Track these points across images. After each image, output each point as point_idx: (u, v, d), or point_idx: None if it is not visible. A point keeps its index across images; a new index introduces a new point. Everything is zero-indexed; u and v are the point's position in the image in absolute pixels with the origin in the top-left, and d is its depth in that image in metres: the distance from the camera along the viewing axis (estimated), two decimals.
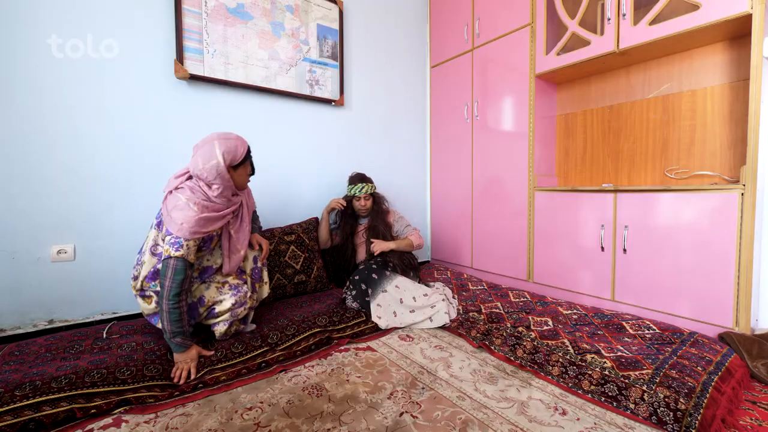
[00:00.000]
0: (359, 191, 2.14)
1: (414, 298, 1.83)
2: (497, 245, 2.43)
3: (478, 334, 1.62)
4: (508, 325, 1.63)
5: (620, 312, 1.74)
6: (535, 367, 1.37)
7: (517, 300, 1.95)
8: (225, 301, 1.43)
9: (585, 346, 1.40)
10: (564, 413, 1.12)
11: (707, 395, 1.09)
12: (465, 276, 2.40)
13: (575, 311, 1.74)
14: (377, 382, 1.28)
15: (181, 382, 1.25)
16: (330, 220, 2.25)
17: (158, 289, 1.38)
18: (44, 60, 1.59)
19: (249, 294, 1.51)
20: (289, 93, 2.22)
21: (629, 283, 1.78)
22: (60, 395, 1.08)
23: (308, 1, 2.28)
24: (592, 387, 1.22)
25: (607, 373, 1.24)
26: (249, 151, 1.46)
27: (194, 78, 1.89)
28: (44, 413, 1.03)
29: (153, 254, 1.39)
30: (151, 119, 1.82)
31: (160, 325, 1.42)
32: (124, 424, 1.04)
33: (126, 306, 1.79)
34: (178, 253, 1.27)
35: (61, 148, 1.63)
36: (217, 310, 1.43)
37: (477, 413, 1.11)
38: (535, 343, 1.47)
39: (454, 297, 2.03)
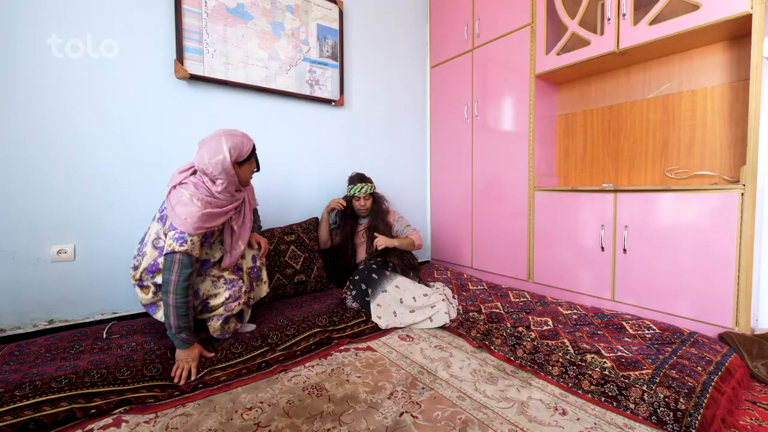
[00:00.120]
0: (359, 191, 2.14)
1: (414, 298, 1.83)
2: (497, 245, 2.43)
3: (478, 334, 1.62)
4: (508, 325, 1.63)
5: (620, 312, 1.74)
6: (535, 367, 1.37)
7: (517, 300, 1.95)
8: (219, 295, 1.44)
9: (585, 346, 1.40)
10: (564, 413, 1.12)
11: (707, 395, 1.09)
12: (465, 276, 2.40)
13: (575, 311, 1.74)
14: (377, 382, 1.28)
15: (182, 382, 1.25)
16: (330, 220, 2.25)
17: (156, 281, 1.39)
18: (44, 60, 1.59)
19: (244, 289, 1.51)
20: (289, 93, 2.22)
21: (629, 283, 1.78)
22: (60, 395, 1.08)
23: (308, 1, 2.28)
24: (592, 387, 1.22)
25: (607, 373, 1.24)
26: (254, 148, 1.48)
27: (194, 78, 1.89)
28: (44, 413, 1.03)
29: (155, 247, 1.39)
30: (151, 119, 1.82)
31: (157, 316, 1.43)
32: (124, 424, 1.04)
33: (126, 306, 1.79)
34: (182, 248, 1.28)
35: (61, 148, 1.63)
36: (211, 304, 1.43)
37: (477, 413, 1.11)
38: (535, 343, 1.47)
39: (454, 297, 2.03)
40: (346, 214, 2.24)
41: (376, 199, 2.23)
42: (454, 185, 2.76)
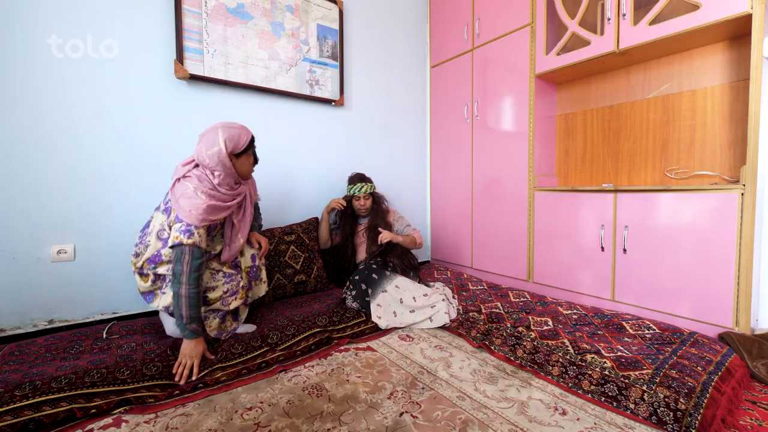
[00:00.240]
0: (359, 191, 2.14)
1: (414, 298, 1.83)
2: (497, 245, 2.43)
3: (478, 334, 1.62)
4: (508, 325, 1.63)
5: (620, 312, 1.74)
6: (535, 367, 1.37)
7: (517, 300, 1.95)
8: (217, 289, 1.44)
9: (585, 346, 1.40)
10: (564, 413, 1.12)
11: (707, 395, 1.09)
12: (465, 276, 2.40)
13: (575, 311, 1.74)
14: (377, 382, 1.28)
15: (182, 381, 1.25)
16: (330, 220, 2.25)
17: (157, 271, 1.40)
18: (44, 60, 1.59)
19: (242, 284, 1.52)
20: (289, 93, 2.22)
21: (629, 283, 1.78)
22: (60, 395, 1.08)
23: (308, 1, 2.28)
24: (592, 387, 1.22)
25: (607, 373, 1.24)
26: (252, 140, 1.48)
27: (194, 78, 1.89)
28: (44, 413, 1.03)
29: (159, 238, 1.40)
30: (151, 119, 1.82)
31: (154, 305, 1.44)
32: (124, 424, 1.04)
33: (126, 306, 1.79)
34: (190, 241, 1.30)
35: (61, 147, 1.63)
36: (209, 297, 1.43)
37: (477, 413, 1.11)
38: (535, 343, 1.47)
39: (454, 297, 2.03)
40: (346, 214, 2.24)
41: (376, 199, 2.23)
42: (454, 185, 2.76)
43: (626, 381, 1.18)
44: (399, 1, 2.80)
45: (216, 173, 1.38)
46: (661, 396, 1.10)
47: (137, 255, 1.44)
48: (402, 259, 2.08)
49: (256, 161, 1.54)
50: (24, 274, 1.58)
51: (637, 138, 2.00)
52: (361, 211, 2.20)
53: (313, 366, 1.39)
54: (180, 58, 1.84)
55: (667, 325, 1.56)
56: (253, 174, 1.59)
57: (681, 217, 1.61)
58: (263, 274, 1.69)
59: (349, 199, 2.20)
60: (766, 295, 1.58)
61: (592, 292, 1.92)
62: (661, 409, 1.07)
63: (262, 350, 1.43)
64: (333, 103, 2.43)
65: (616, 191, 1.82)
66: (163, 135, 1.85)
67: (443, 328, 1.77)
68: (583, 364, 1.31)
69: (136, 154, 1.79)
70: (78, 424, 1.04)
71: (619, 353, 1.33)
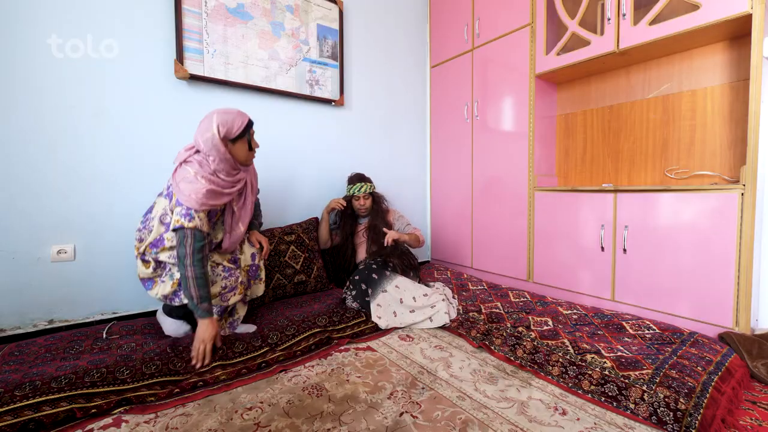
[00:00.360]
0: (358, 191, 2.14)
1: (414, 298, 1.83)
2: (497, 245, 2.43)
3: (478, 334, 1.62)
4: (508, 325, 1.63)
5: (620, 312, 1.74)
6: (535, 367, 1.37)
7: (517, 300, 1.95)
8: (216, 284, 1.44)
9: (585, 346, 1.40)
10: (564, 413, 1.12)
11: (707, 395, 1.09)
12: (465, 276, 2.40)
13: (575, 311, 1.74)
14: (377, 382, 1.28)
15: (199, 364, 1.29)
16: (330, 220, 2.25)
17: (159, 257, 1.41)
18: (44, 60, 1.59)
19: (240, 280, 1.52)
20: (289, 93, 2.22)
21: (629, 283, 1.78)
22: (60, 395, 1.08)
23: (308, 1, 2.28)
24: (592, 387, 1.22)
25: (607, 373, 1.24)
26: (248, 125, 1.47)
27: (194, 78, 1.89)
28: (44, 413, 1.03)
29: (162, 223, 1.41)
30: (151, 119, 1.82)
31: (152, 292, 1.45)
32: (124, 424, 1.04)
33: (126, 306, 1.79)
34: (191, 224, 1.32)
35: (61, 147, 1.63)
36: None
37: (477, 413, 1.11)
38: (535, 343, 1.47)
39: (454, 297, 2.03)
40: (346, 214, 2.24)
41: (376, 199, 2.24)
42: (454, 185, 2.76)
43: (626, 381, 1.18)
44: (399, 1, 2.80)
45: (211, 158, 1.39)
46: (661, 396, 1.10)
47: (141, 240, 1.45)
48: (402, 259, 2.08)
49: (250, 147, 1.51)
50: (24, 274, 1.58)
51: (637, 138, 2.00)
52: (361, 211, 2.20)
53: (313, 366, 1.39)
54: (180, 58, 1.84)
55: (667, 325, 1.56)
56: (254, 163, 1.59)
57: (681, 217, 1.61)
58: (262, 274, 1.69)
59: (348, 199, 2.20)
60: (766, 295, 1.58)
61: (592, 292, 1.92)
62: (661, 409, 1.07)
63: (263, 350, 1.43)
64: (333, 103, 2.43)
65: (616, 191, 1.82)
66: (163, 135, 1.85)
67: (443, 328, 1.77)
68: (583, 364, 1.31)
69: (136, 154, 1.79)
70: (78, 424, 1.04)
71: (619, 353, 1.33)
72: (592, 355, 1.33)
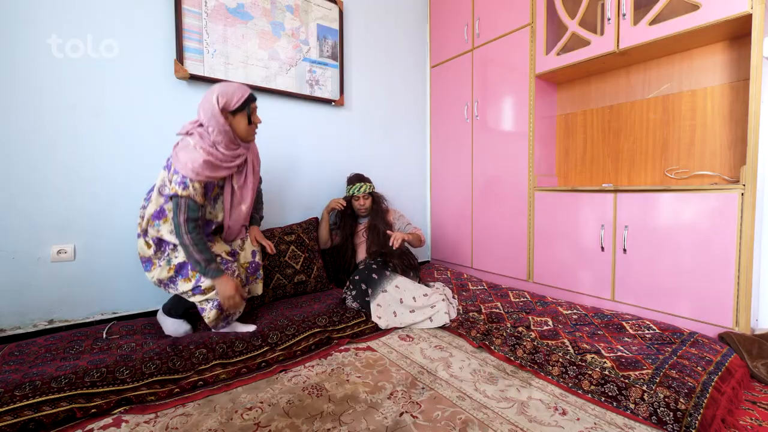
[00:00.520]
0: (358, 191, 2.14)
1: (414, 298, 1.83)
2: (497, 245, 2.43)
3: (478, 334, 1.62)
4: (508, 325, 1.63)
5: (620, 312, 1.74)
6: (535, 367, 1.37)
7: (517, 300, 1.95)
8: None
9: (585, 346, 1.40)
10: (564, 413, 1.12)
11: (707, 395, 1.09)
12: (465, 276, 2.40)
13: (575, 311, 1.74)
14: (377, 382, 1.28)
15: (237, 315, 1.45)
16: (330, 220, 2.25)
17: (161, 235, 1.42)
18: (44, 60, 1.59)
19: (236, 274, 1.52)
20: (289, 93, 2.22)
21: (629, 283, 1.78)
22: (60, 395, 1.08)
23: (308, 1, 2.28)
24: (592, 387, 1.22)
25: (607, 373, 1.24)
26: (249, 99, 1.47)
27: (194, 78, 1.89)
28: (44, 413, 1.03)
29: (160, 194, 1.43)
30: (151, 119, 1.82)
31: (150, 275, 1.47)
32: (124, 424, 1.04)
33: (126, 306, 1.79)
34: (185, 192, 1.33)
35: (61, 147, 1.63)
36: (203, 287, 1.43)
37: (477, 413, 1.11)
38: (535, 343, 1.47)
39: (454, 297, 2.03)
40: (345, 215, 2.24)
41: (376, 199, 2.24)
42: (454, 185, 2.76)
43: (626, 381, 1.18)
44: (399, 1, 2.80)
45: (210, 129, 1.40)
46: (661, 396, 1.10)
47: (142, 217, 1.46)
48: (402, 259, 2.08)
49: (250, 122, 1.50)
50: (24, 274, 1.58)
51: (637, 138, 2.00)
52: (360, 211, 2.20)
53: (313, 366, 1.39)
54: (180, 58, 1.84)
55: (667, 325, 1.56)
56: (256, 145, 1.61)
57: (681, 217, 1.61)
58: (261, 272, 1.69)
59: (348, 199, 2.20)
60: (766, 295, 1.58)
61: (592, 292, 1.92)
62: (661, 409, 1.07)
63: (263, 350, 1.43)
64: (333, 103, 2.43)
65: (616, 191, 1.81)
66: (163, 135, 1.85)
67: (443, 328, 1.77)
68: (583, 364, 1.31)
69: (136, 154, 1.79)
70: (78, 424, 1.04)
71: (619, 353, 1.33)
72: (592, 355, 1.33)
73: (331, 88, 2.40)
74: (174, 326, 1.53)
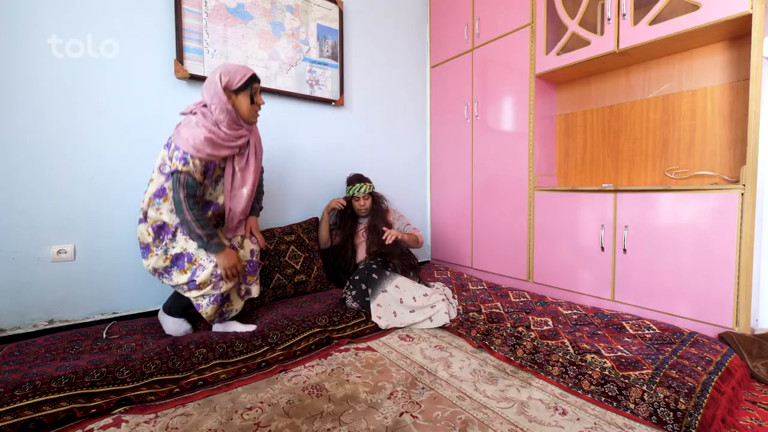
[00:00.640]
0: (358, 191, 2.14)
1: (414, 298, 1.83)
2: (497, 245, 2.43)
3: (478, 334, 1.62)
4: (508, 325, 1.63)
5: (620, 312, 1.74)
6: (535, 367, 1.37)
7: (517, 300, 1.95)
8: (207, 268, 1.42)
9: (585, 346, 1.40)
10: (564, 413, 1.12)
11: (707, 395, 1.09)
12: (465, 276, 2.40)
13: (575, 311, 1.74)
14: (377, 382, 1.28)
15: (232, 283, 1.45)
16: (330, 220, 2.25)
17: (163, 217, 1.42)
18: (44, 60, 1.59)
19: None
20: (289, 93, 2.22)
21: (629, 283, 1.78)
22: (60, 395, 1.08)
23: (308, 1, 2.28)
24: (592, 387, 1.22)
25: (607, 373, 1.24)
26: (251, 78, 1.47)
27: (194, 78, 1.89)
28: (44, 413, 1.03)
29: (161, 173, 1.44)
30: (151, 119, 1.82)
31: (146, 263, 1.47)
32: (124, 424, 1.04)
33: (126, 306, 1.79)
34: (185, 168, 1.34)
35: (61, 147, 1.63)
36: (198, 281, 1.42)
37: (477, 413, 1.11)
38: (535, 343, 1.47)
39: (454, 297, 2.03)
40: (345, 215, 2.24)
41: (376, 199, 2.24)
42: (454, 185, 2.76)
43: (626, 381, 1.18)
44: (399, 1, 2.80)
45: (213, 107, 1.41)
46: (661, 396, 1.10)
47: (144, 201, 1.46)
48: (402, 259, 2.08)
49: (253, 102, 1.50)
50: (24, 274, 1.58)
51: (637, 138, 2.00)
52: (360, 211, 2.20)
53: (313, 366, 1.39)
54: (180, 58, 1.84)
55: (667, 325, 1.56)
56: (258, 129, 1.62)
57: (681, 217, 1.61)
58: (258, 273, 1.68)
59: (348, 199, 2.20)
60: (766, 295, 1.58)
61: (592, 292, 1.92)
62: (661, 409, 1.07)
63: (263, 349, 1.43)
64: (333, 103, 2.43)
65: (616, 191, 1.81)
66: (163, 135, 1.84)
67: (443, 328, 1.77)
68: (583, 364, 1.31)
69: (136, 154, 1.79)
70: (78, 424, 1.04)
71: (619, 353, 1.33)
72: (592, 355, 1.33)
73: (331, 88, 2.40)
74: (174, 325, 1.53)
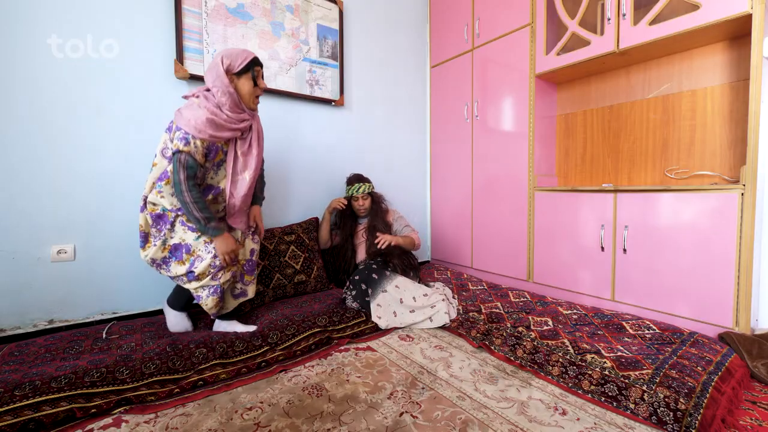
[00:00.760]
0: (357, 191, 2.15)
1: (414, 298, 1.83)
2: (497, 245, 2.43)
3: (478, 334, 1.62)
4: (508, 325, 1.63)
5: (620, 312, 1.74)
6: (535, 367, 1.37)
7: (517, 300, 1.95)
8: (205, 259, 1.42)
9: (585, 346, 1.40)
10: (564, 413, 1.11)
11: (707, 395, 1.09)
12: (465, 276, 2.40)
13: (575, 311, 1.74)
14: (377, 382, 1.28)
15: (228, 266, 1.44)
16: (330, 220, 2.25)
17: (161, 190, 1.42)
18: (44, 60, 1.59)
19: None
20: (289, 93, 2.22)
21: (629, 283, 1.78)
22: (60, 395, 1.08)
23: (308, 1, 2.28)
24: (592, 387, 1.22)
25: (607, 373, 1.24)
26: (253, 61, 1.47)
27: (194, 78, 1.89)
28: (44, 413, 1.03)
29: (163, 156, 1.44)
30: (151, 119, 1.82)
31: (143, 253, 1.46)
32: (124, 424, 1.04)
33: (126, 306, 1.79)
34: (186, 148, 1.34)
35: (61, 147, 1.63)
36: (196, 272, 1.42)
37: (477, 413, 1.11)
38: (535, 343, 1.47)
39: (454, 297, 2.03)
40: (345, 215, 2.24)
41: (375, 199, 2.24)
42: (454, 185, 2.76)
43: (626, 381, 1.18)
44: (399, 1, 2.80)
45: (215, 89, 1.41)
46: (661, 396, 1.10)
47: (146, 186, 1.46)
48: (402, 260, 2.08)
49: (255, 84, 1.50)
50: (24, 274, 1.58)
51: (637, 138, 2.00)
52: (360, 212, 2.20)
53: (313, 366, 1.39)
54: (180, 58, 1.84)
55: (667, 325, 1.56)
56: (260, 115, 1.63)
57: (681, 217, 1.61)
58: (257, 273, 1.67)
59: (349, 199, 2.21)
60: (766, 295, 1.58)
61: (592, 292, 1.92)
62: (661, 409, 1.07)
63: (263, 349, 1.43)
64: (333, 103, 2.43)
65: (616, 191, 1.81)
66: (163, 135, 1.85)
67: (443, 328, 1.77)
68: (583, 364, 1.31)
69: (136, 154, 1.79)
70: (78, 424, 1.04)
71: (619, 353, 1.33)
72: (592, 355, 1.33)
73: (331, 88, 2.40)
74: (175, 319, 1.54)
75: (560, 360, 1.35)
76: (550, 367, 1.34)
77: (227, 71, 1.41)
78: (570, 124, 2.30)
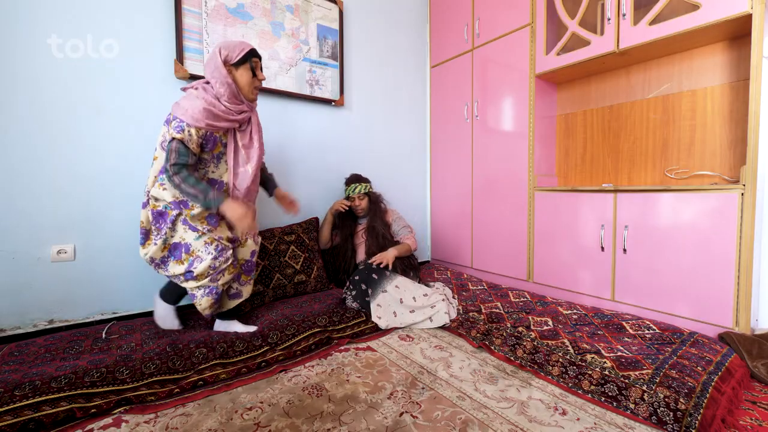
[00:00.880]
0: (353, 191, 2.15)
1: (414, 298, 1.83)
2: (497, 245, 2.43)
3: (478, 334, 1.62)
4: (508, 325, 1.63)
5: (620, 312, 1.74)
6: (535, 367, 1.37)
7: (517, 300, 1.95)
8: (205, 261, 1.41)
9: (585, 346, 1.40)
10: (564, 413, 1.11)
11: (707, 395, 1.09)
12: (465, 276, 2.40)
13: (575, 311, 1.74)
14: (377, 382, 1.28)
15: (252, 232, 1.51)
16: (331, 222, 2.25)
17: (164, 182, 1.41)
18: (44, 60, 1.59)
19: (231, 261, 1.47)
20: (289, 93, 2.22)
21: (629, 283, 1.78)
22: (60, 395, 1.08)
23: (308, 1, 2.28)
24: (592, 387, 1.22)
25: (607, 373, 1.24)
26: (250, 52, 1.47)
27: (194, 78, 1.89)
28: (44, 413, 1.03)
29: (163, 149, 1.43)
30: (151, 119, 1.82)
31: (143, 251, 1.46)
32: (124, 424, 1.04)
33: (126, 306, 1.79)
34: (179, 135, 1.33)
35: (61, 147, 1.63)
36: (195, 273, 1.41)
37: (477, 413, 1.11)
38: (535, 343, 1.47)
39: (454, 297, 2.03)
40: (345, 215, 2.24)
41: (373, 199, 2.24)
42: (454, 185, 2.76)
43: (626, 381, 1.18)
44: (399, 1, 2.80)
45: (214, 80, 1.42)
46: (661, 396, 1.10)
47: (148, 181, 1.46)
48: (402, 260, 2.08)
49: (254, 75, 1.50)
50: (24, 274, 1.58)
51: (637, 138, 2.00)
52: (357, 212, 2.21)
53: (313, 366, 1.39)
54: (180, 58, 1.84)
55: (667, 325, 1.56)
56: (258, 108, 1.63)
57: (681, 217, 1.61)
58: (255, 275, 1.67)
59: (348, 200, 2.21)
60: (766, 295, 1.58)
61: (592, 292, 1.92)
62: (661, 409, 1.07)
63: (263, 349, 1.43)
64: (333, 103, 2.43)
65: (616, 191, 1.81)
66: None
67: (443, 328, 1.77)
68: (583, 364, 1.31)
69: (136, 154, 1.79)
70: (78, 424, 1.04)
71: (619, 353, 1.33)
72: (592, 355, 1.33)
73: (331, 88, 2.40)
74: (163, 312, 1.54)
75: (560, 360, 1.35)
76: (550, 367, 1.34)
77: (225, 62, 1.42)
78: (570, 124, 2.30)
